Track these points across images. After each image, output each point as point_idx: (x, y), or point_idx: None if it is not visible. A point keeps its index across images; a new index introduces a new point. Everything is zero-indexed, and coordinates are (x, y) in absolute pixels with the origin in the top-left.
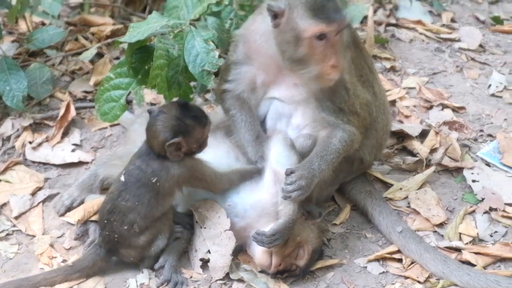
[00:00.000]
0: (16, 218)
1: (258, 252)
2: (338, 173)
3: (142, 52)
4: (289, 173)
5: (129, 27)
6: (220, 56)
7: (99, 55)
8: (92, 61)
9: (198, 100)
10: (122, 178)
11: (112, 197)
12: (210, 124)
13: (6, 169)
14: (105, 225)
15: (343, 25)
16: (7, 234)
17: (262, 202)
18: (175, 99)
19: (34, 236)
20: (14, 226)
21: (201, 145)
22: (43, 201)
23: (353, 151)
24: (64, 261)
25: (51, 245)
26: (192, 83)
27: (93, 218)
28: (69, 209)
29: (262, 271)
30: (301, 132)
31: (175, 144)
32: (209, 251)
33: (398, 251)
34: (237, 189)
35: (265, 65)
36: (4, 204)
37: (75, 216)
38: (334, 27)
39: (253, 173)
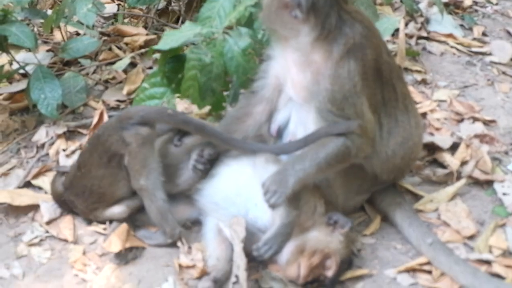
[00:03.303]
0: (47, 223)
1: (286, 264)
2: (355, 182)
3: (175, 61)
4: (262, 184)
5: (162, 35)
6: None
7: (132, 64)
8: (125, 71)
9: None
10: None
11: None
12: None
13: (38, 174)
14: None
15: None
16: (41, 240)
17: None
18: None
19: (66, 242)
20: (46, 232)
21: None
22: None
23: (359, 162)
24: (97, 268)
25: (84, 252)
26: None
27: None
28: None
29: (292, 281)
30: None
31: None
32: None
33: (428, 263)
34: (254, 201)
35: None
36: (36, 210)
37: (111, 247)
38: None
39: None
